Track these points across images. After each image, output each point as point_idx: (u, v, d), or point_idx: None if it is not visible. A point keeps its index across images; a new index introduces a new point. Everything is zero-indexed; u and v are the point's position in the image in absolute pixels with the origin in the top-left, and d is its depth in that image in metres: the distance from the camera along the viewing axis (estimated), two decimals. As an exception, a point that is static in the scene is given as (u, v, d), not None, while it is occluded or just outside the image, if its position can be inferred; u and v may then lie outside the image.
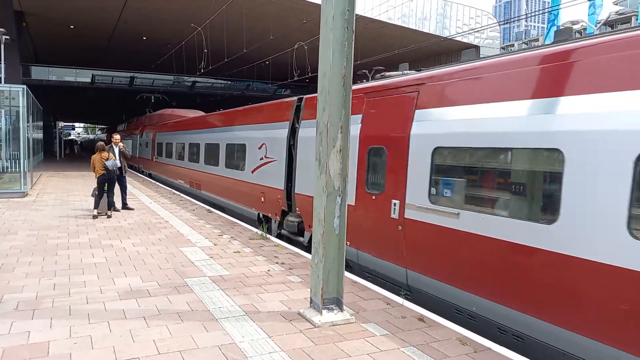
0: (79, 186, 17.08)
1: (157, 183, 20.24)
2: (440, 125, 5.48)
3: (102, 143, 11.02)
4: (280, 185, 9.47)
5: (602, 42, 4.11)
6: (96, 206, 10.57)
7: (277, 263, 6.86)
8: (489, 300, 4.70)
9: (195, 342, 4.07)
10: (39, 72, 34.09)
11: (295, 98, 9.60)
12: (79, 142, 71.50)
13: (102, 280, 5.81)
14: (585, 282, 3.87)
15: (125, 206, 11.69)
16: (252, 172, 10.90)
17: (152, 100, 35.53)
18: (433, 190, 5.49)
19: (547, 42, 5.80)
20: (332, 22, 4.63)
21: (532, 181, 4.65)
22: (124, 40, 32.71)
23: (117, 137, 12.07)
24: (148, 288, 5.54)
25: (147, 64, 36.65)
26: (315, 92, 6.46)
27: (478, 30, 29.40)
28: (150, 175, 24.55)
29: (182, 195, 15.65)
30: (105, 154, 10.56)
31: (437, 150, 5.45)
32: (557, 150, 4.14)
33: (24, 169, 14.23)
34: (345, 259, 7.75)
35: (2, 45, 22.37)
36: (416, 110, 5.88)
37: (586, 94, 4.06)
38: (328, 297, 4.72)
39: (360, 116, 6.97)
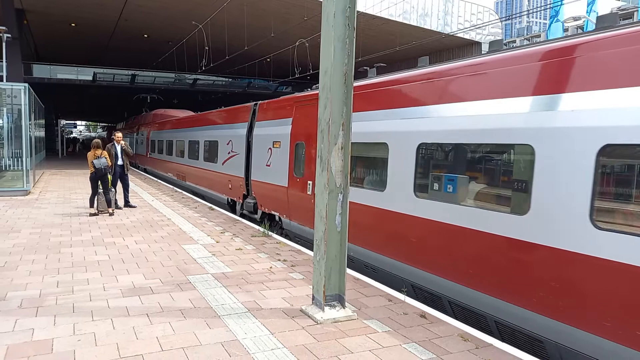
0: (81, 184, 17.11)
1: (159, 181, 20.28)
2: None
3: (97, 140, 11.00)
4: (242, 174, 11.66)
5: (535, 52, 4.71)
6: (91, 205, 10.59)
7: (279, 260, 6.88)
8: (360, 247, 6.83)
9: (198, 339, 4.09)
10: (41, 70, 34.11)
11: (252, 103, 11.81)
12: (80, 140, 71.66)
13: (105, 277, 5.84)
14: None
15: (127, 204, 11.72)
16: (222, 164, 13.13)
17: (148, 100, 37.44)
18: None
19: (549, 38, 5.84)
20: (333, 19, 4.63)
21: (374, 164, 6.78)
22: (125, 38, 32.70)
23: (118, 135, 12.08)
24: (151, 285, 5.56)
25: (149, 62, 36.65)
26: (316, 89, 6.52)
27: (479, 27, 29.29)
28: (145, 170, 26.42)
29: (184, 192, 15.68)
30: (98, 152, 10.46)
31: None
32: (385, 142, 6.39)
33: (26, 167, 14.26)
34: (283, 229, 9.95)
35: (4, 43, 22.39)
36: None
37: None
38: (330, 294, 4.74)
39: (291, 119, 9.21)
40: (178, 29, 28.93)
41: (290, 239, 8.63)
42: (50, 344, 3.92)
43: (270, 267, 6.47)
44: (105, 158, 10.44)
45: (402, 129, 6.13)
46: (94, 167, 10.29)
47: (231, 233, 8.79)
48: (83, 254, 6.97)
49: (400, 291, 5.51)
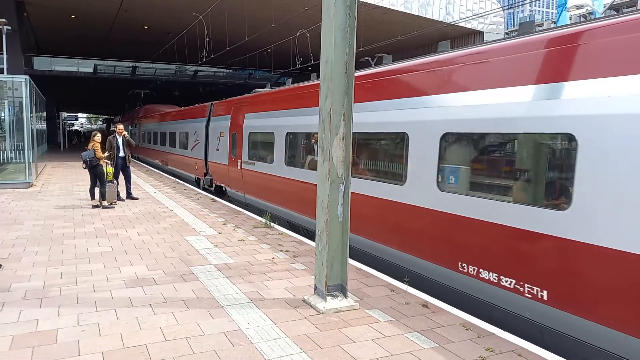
0: (83, 176, 17.11)
1: (161, 172, 20.32)
2: (251, 122, 11.29)
3: (95, 132, 10.98)
4: (202, 157, 15.36)
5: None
6: (92, 197, 10.59)
7: (281, 251, 6.89)
8: (277, 206, 9.70)
9: (201, 329, 4.11)
10: (41, 63, 34.01)
11: (210, 103, 15.79)
12: (81, 133, 71.85)
13: (108, 268, 5.87)
14: None
15: (129, 196, 11.74)
16: (191, 150, 16.93)
17: (142, 95, 40.45)
18: (248, 154, 11.26)
19: (559, 25, 5.58)
20: (334, 9, 4.59)
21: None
22: (125, 30, 32.54)
23: (120, 127, 12.05)
24: (154, 276, 5.59)
25: (149, 54, 36.48)
26: (317, 79, 6.48)
27: (482, 16, 29.05)
28: (138, 159, 29.17)
29: (186, 184, 15.71)
30: (90, 144, 10.40)
31: (250, 134, 11.24)
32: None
33: (28, 159, 14.28)
34: (228, 196, 12.45)
35: (4, 36, 22.32)
36: (246, 114, 11.71)
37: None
38: (332, 284, 4.75)
39: (229, 116, 12.96)
40: (178, 20, 28.76)
41: (233, 203, 11.89)
42: (54, 334, 3.95)
43: (273, 258, 6.49)
44: (94, 150, 10.28)
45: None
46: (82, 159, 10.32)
47: (233, 224, 8.81)
48: (86, 245, 7.00)
49: (402, 281, 5.52)
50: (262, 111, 10.82)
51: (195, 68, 37.13)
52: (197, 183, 16.20)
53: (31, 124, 15.06)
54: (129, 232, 7.98)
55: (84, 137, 59.69)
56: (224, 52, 28.08)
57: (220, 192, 13.82)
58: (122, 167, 11.65)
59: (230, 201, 12.41)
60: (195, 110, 17.41)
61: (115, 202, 10.74)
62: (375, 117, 6.58)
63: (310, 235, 7.61)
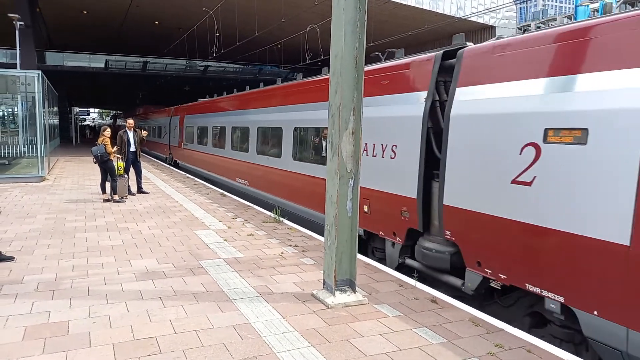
0: (95, 171, 17.24)
1: (171, 167, 20.47)
2: (189, 121, 20.09)
3: (104, 127, 11.06)
4: (167, 142, 24.80)
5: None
6: (103, 191, 10.69)
7: (290, 246, 6.91)
8: (194, 167, 18.62)
9: (210, 322, 4.14)
10: (54, 58, 34.36)
11: (172, 107, 25.14)
12: (94, 127, 72.73)
13: (119, 262, 5.93)
14: None
15: (140, 190, 11.83)
16: (162, 138, 26.63)
17: (140, 96, 49.16)
18: (185, 139, 20.36)
19: (577, 20, 5.37)
20: (344, 2, 4.56)
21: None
22: (136, 25, 32.70)
23: (130, 121, 12.14)
24: (164, 270, 5.63)
25: (160, 49, 36.65)
26: (327, 73, 6.42)
27: (493, 10, 28.71)
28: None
29: (195, 179, 15.81)
30: (100, 139, 10.46)
31: (186, 127, 20.36)
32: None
33: (41, 154, 14.45)
34: (180, 167, 21.43)
35: (17, 31, 22.54)
36: (185, 116, 20.93)
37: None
38: (341, 279, 4.75)
39: (178, 117, 22.20)
40: (188, 15, 28.83)
41: (183, 171, 17.74)
42: (66, 325, 4.01)
43: (282, 253, 6.51)
44: (105, 146, 10.33)
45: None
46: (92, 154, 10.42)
47: (242, 219, 8.84)
48: (97, 238, 7.08)
49: (411, 277, 5.50)
50: (191, 114, 20.38)
51: (205, 63, 37.23)
52: (167, 162, 24.24)
53: (43, 119, 15.22)
54: (140, 225, 8.05)
55: (93, 132, 60.50)
56: (234, 47, 28.10)
57: (176, 165, 22.21)
58: (132, 162, 11.75)
59: (182, 169, 19.75)
60: (166, 111, 27.06)
61: (126, 196, 10.84)
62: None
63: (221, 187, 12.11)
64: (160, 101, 43.51)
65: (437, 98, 5.82)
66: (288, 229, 8.08)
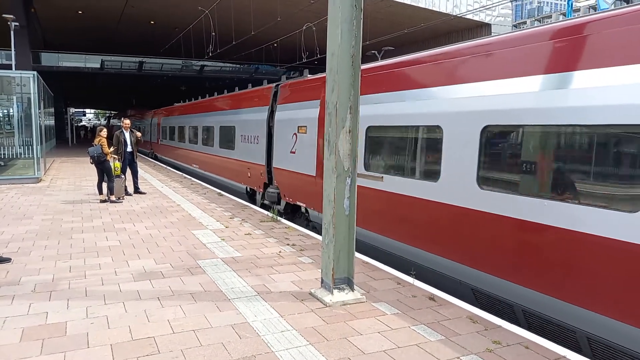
0: (91, 171, 17.19)
1: (168, 167, 20.42)
2: (164, 122, 24.62)
3: (100, 127, 11.01)
4: (149, 140, 29.35)
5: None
6: (100, 191, 10.66)
7: (288, 245, 6.91)
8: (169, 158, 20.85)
9: (208, 322, 4.14)
10: (49, 59, 34.23)
11: (153, 110, 30.19)
12: (88, 128, 72.62)
13: (116, 262, 5.91)
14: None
15: (137, 190, 11.81)
16: (146, 135, 28.84)
17: (134, 101, 54.12)
18: (162, 136, 25.39)
19: (569, 18, 5.47)
20: (340, 1, 4.56)
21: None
22: (132, 25, 32.60)
23: (126, 121, 12.09)
24: (162, 270, 5.63)
25: (156, 49, 36.56)
26: (322, 72, 6.42)
27: (489, 8, 28.75)
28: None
29: (193, 179, 15.79)
30: (96, 140, 10.42)
31: (162, 127, 25.19)
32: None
33: (37, 154, 14.39)
34: (158, 158, 24.97)
35: (12, 32, 22.44)
36: (162, 118, 25.67)
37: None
38: (339, 277, 4.76)
39: (157, 118, 27.13)
40: (184, 15, 28.76)
41: (160, 162, 19.43)
42: (64, 326, 4.00)
43: (279, 252, 6.51)
44: (101, 146, 10.28)
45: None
46: (88, 154, 10.38)
47: (240, 218, 8.84)
48: (94, 239, 7.06)
49: (409, 274, 5.51)
50: (165, 116, 24.66)
51: (201, 63, 37.17)
52: (148, 156, 28.22)
53: (39, 120, 15.16)
54: (137, 226, 8.03)
55: (90, 133, 60.54)
56: (230, 46, 28.06)
57: (155, 158, 25.75)
58: (129, 162, 11.72)
59: (159, 161, 22.63)
60: (148, 113, 31.42)
61: (123, 196, 10.81)
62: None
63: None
64: (156, 102, 43.65)
65: (271, 110, 10.78)
66: (286, 228, 8.08)
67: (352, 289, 4.81)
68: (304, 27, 25.40)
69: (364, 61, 5.37)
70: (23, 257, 6.05)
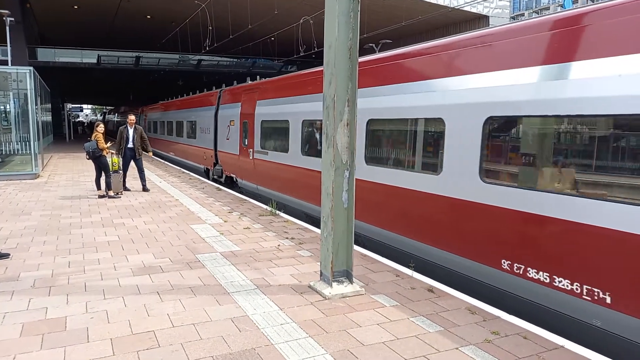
0: (89, 167, 17.14)
1: (166, 162, 20.40)
2: (149, 116, 29.52)
3: (98, 122, 10.95)
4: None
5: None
6: (97, 187, 10.64)
7: (287, 238, 6.92)
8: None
9: (208, 315, 4.15)
10: (45, 54, 34.03)
11: (142, 107, 34.34)
12: (85, 123, 72.49)
13: (115, 257, 5.92)
14: None
15: (144, 188, 11.52)
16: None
17: (131, 98, 55.67)
18: (148, 129, 28.38)
19: (567, 9, 5.45)
20: (336, -8, 4.54)
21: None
22: (128, 20, 32.40)
23: (132, 117, 11.81)
24: (161, 264, 5.63)
25: (153, 44, 36.36)
26: (320, 66, 6.38)
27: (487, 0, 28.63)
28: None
29: (191, 174, 15.78)
30: (93, 135, 10.34)
31: (147, 121, 30.05)
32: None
33: (34, 150, 14.36)
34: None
35: (7, 27, 22.30)
36: (148, 113, 30.24)
37: None
38: (338, 270, 4.77)
39: (144, 113, 31.44)
40: (181, 9, 28.59)
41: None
42: (63, 321, 4.00)
43: (278, 245, 6.52)
44: (97, 141, 10.17)
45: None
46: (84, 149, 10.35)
47: (239, 212, 8.84)
48: (93, 234, 7.06)
49: (408, 266, 5.52)
50: (150, 112, 28.25)
51: (198, 57, 36.96)
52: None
53: (36, 116, 15.10)
54: (135, 221, 8.03)
55: (88, 128, 60.47)
56: (228, 40, 27.93)
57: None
58: (134, 159, 11.53)
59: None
60: (137, 109, 33.55)
61: (121, 192, 10.80)
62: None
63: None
64: (153, 96, 43.53)
65: (217, 108, 14.72)
66: (284, 221, 8.09)
67: (351, 282, 4.83)
68: (301, 21, 25.28)
69: (361, 54, 5.37)
70: (22, 253, 6.05)
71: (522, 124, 4.72)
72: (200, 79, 42.14)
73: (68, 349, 3.52)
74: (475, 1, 27.54)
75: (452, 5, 27.59)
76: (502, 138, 5.03)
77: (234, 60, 39.19)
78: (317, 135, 8.53)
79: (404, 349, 3.59)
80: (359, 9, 4.64)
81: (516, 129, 4.88)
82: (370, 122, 6.76)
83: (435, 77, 5.76)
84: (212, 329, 3.89)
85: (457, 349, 3.61)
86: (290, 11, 25.67)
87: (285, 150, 9.59)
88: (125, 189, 11.31)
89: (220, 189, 12.03)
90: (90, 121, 78.87)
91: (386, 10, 27.65)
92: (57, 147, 28.65)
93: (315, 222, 7.77)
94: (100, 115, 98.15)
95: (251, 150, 11.57)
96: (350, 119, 4.70)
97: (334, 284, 4.73)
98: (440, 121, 5.53)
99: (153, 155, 14.32)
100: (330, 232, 4.72)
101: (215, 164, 14.76)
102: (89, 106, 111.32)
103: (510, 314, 4.30)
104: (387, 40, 27.98)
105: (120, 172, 10.95)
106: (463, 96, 5.25)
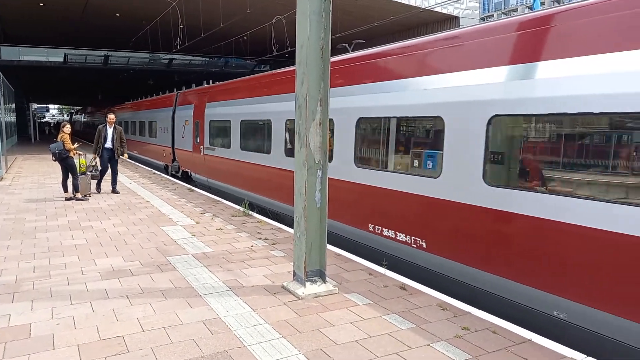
0: (56, 169, 16.64)
1: (137, 163, 19.97)
2: (118, 117, 19.99)
3: (64, 123, 10.61)
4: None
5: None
6: (65, 189, 10.33)
7: (260, 239, 6.87)
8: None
9: (179, 318, 4.08)
10: (9, 52, 32.83)
11: (107, 108, 33.68)
12: (51, 124, 70.35)
13: (83, 261, 5.76)
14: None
15: (114, 190, 11.23)
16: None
17: (99, 98, 54.42)
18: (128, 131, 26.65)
19: (536, 10, 5.52)
20: (307, -8, 4.53)
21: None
22: (96, 18, 31.51)
23: (111, 117, 11.24)
24: (130, 267, 5.51)
25: (123, 43, 35.49)
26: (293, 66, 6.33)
27: (457, 1, 29.14)
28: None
29: (162, 175, 15.52)
30: (59, 136, 10.00)
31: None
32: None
33: (-3, 152, 13.83)
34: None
35: (-33, 25, 21.40)
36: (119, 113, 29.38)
37: None
38: (311, 270, 4.77)
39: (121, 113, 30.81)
40: (151, 7, 28.02)
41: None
42: (28, 328, 3.87)
43: (251, 246, 6.47)
44: (63, 142, 9.85)
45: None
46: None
47: (211, 213, 8.73)
48: (59, 238, 6.85)
49: (381, 265, 5.57)
50: (117, 112, 25.73)
51: (169, 56, 36.34)
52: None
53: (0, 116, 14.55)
54: (104, 224, 7.83)
55: (54, 129, 58.74)
56: (199, 39, 27.56)
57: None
58: (109, 159, 11.18)
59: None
60: (102, 109, 35.40)
61: (89, 193, 10.51)
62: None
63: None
64: (123, 96, 42.62)
65: (174, 109, 16.31)
66: (257, 222, 8.04)
67: (325, 281, 4.83)
68: (274, 20, 25.15)
69: (334, 54, 5.38)
70: (-17, 259, 5.81)
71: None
72: (171, 79, 41.45)
73: (32, 357, 3.40)
74: (446, 2, 28.01)
75: (423, 6, 27.96)
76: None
77: (206, 59, 38.68)
78: (250, 133, 10.32)
79: (376, 347, 3.61)
80: (331, 9, 4.64)
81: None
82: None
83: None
84: (184, 332, 3.83)
85: (428, 345, 3.66)
86: (263, 10, 25.53)
87: (228, 146, 11.25)
88: (99, 191, 10.98)
89: (192, 190, 11.87)
90: (57, 122, 76.48)
91: (359, 10, 27.80)
92: (22, 149, 27.69)
93: (254, 208, 9.31)
94: (67, 116, 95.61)
95: (202, 147, 13.09)
96: (322, 118, 4.70)
97: (307, 283, 4.72)
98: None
99: (128, 158, 13.01)
100: (304, 232, 4.71)
101: (174, 160, 16.42)
102: (56, 106, 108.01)
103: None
104: (360, 40, 28.13)
105: (88, 173, 10.66)
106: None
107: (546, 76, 4.21)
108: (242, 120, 10.45)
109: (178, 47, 28.20)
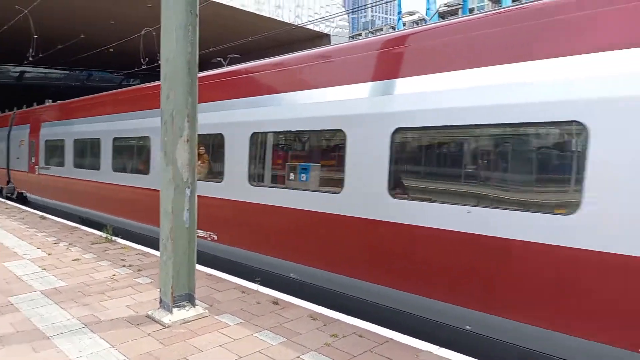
0: None
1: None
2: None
3: None
4: None
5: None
6: None
7: (123, 266, 6.33)
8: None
9: (18, 368, 3.54)
10: None
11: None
12: None
13: None
14: None
15: None
16: None
17: None
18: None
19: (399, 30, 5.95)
20: (173, 5, 4.37)
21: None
22: None
23: None
24: (-42, 314, 4.66)
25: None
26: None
27: (327, 19, 30.61)
28: None
29: (7, 202, 13.67)
30: None
31: None
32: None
33: None
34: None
35: None
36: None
37: None
38: (179, 294, 4.50)
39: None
40: (-4, 14, 24.75)
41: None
42: None
43: (114, 275, 5.92)
44: None
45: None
46: None
47: (67, 242, 7.84)
48: None
49: (254, 281, 5.48)
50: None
51: (20, 69, 32.38)
52: None
53: None
54: None
55: None
56: (55, 51, 25.03)
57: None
58: None
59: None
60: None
61: None
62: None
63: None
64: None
65: (10, 129, 16.02)
66: (122, 248, 7.41)
67: (194, 305, 4.60)
68: (143, 32, 23.88)
69: (208, 68, 5.21)
70: None
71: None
72: (25, 94, 36.89)
73: None
74: (317, 20, 29.26)
75: (295, 23, 28.84)
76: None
77: (66, 72, 35.22)
78: (83, 151, 10.84)
79: (246, 368, 3.50)
80: (197, 23, 4.50)
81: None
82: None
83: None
84: (23, 383, 3.32)
85: (298, 357, 3.66)
86: (130, 22, 24.12)
87: (62, 164, 11.77)
88: None
89: (44, 217, 10.58)
90: None
91: (233, 25, 27.71)
92: None
93: (117, 234, 8.72)
94: None
95: (37, 166, 13.23)
96: (190, 135, 4.51)
97: (175, 309, 4.45)
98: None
99: None
100: (171, 255, 4.44)
101: (9, 182, 15.98)
102: None
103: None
104: (236, 55, 28.01)
105: None
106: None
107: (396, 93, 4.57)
108: (75, 139, 11.01)
109: (30, 59, 25.28)
